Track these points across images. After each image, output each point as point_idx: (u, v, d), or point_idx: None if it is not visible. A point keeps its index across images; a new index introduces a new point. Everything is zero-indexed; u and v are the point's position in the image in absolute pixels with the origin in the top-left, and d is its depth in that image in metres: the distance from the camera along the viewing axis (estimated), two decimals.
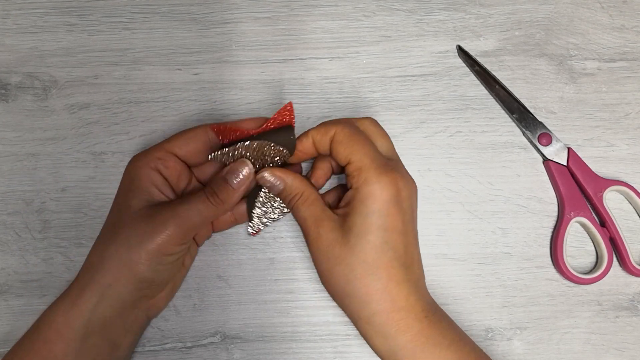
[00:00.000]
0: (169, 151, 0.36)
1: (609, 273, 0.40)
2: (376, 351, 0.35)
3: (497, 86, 0.43)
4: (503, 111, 0.43)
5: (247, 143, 0.36)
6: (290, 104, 0.36)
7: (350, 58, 0.43)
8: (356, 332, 0.41)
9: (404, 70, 0.43)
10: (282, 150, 0.37)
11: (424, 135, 0.43)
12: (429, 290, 0.36)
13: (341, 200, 0.36)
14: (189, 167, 0.38)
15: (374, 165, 0.34)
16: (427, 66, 0.43)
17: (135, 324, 0.37)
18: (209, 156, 0.36)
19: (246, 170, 0.36)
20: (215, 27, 0.44)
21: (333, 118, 0.42)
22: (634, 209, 0.42)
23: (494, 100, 0.43)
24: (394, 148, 0.38)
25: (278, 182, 0.36)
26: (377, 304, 0.33)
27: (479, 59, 0.43)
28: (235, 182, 0.35)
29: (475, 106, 0.43)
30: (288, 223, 0.42)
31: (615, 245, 0.41)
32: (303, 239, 0.41)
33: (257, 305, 0.41)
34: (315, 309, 0.41)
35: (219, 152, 0.36)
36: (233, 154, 0.36)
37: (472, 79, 0.43)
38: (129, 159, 0.37)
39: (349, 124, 0.36)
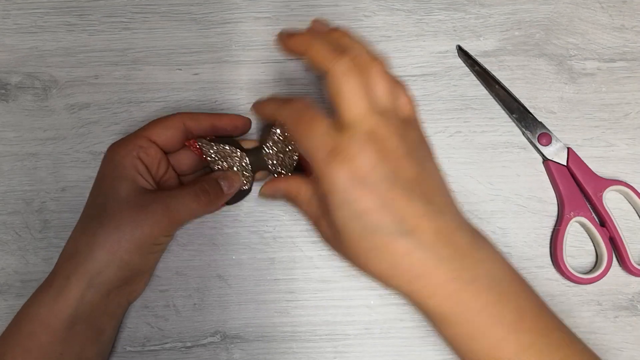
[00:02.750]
0: (149, 139, 0.37)
1: (609, 273, 0.40)
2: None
3: (497, 86, 0.43)
4: (503, 111, 0.43)
5: (236, 153, 0.39)
6: None
7: None
8: (356, 332, 0.41)
9: (404, 70, 0.43)
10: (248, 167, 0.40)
11: None
12: None
13: None
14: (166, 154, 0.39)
15: (318, 157, 0.31)
16: (427, 66, 0.44)
17: (117, 308, 0.38)
18: (198, 143, 0.38)
19: (238, 184, 0.39)
20: (215, 27, 0.44)
21: None
22: (634, 209, 0.42)
23: (493, 100, 0.43)
24: (394, 97, 0.32)
25: (275, 194, 0.38)
26: (396, 279, 0.31)
27: (479, 59, 0.43)
28: (225, 188, 0.38)
29: (475, 106, 0.43)
30: (288, 223, 0.42)
31: (615, 245, 0.41)
32: (303, 239, 0.42)
33: (257, 305, 0.41)
34: (315, 309, 0.41)
35: (209, 145, 0.38)
36: (218, 155, 0.39)
37: (472, 79, 0.43)
38: None
39: (303, 106, 0.32)
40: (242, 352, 0.40)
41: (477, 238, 0.33)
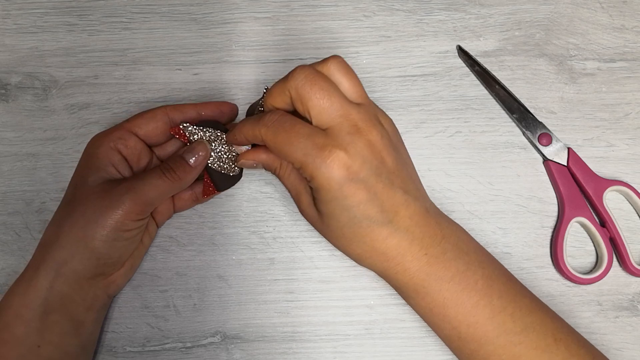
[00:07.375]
0: (129, 130, 0.37)
1: (609, 273, 0.40)
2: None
3: (497, 86, 0.43)
4: (503, 111, 0.43)
5: (222, 135, 0.38)
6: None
7: (350, 58, 0.43)
8: (356, 332, 0.41)
9: (404, 70, 0.43)
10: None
11: (424, 135, 0.43)
12: None
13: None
14: (150, 146, 0.39)
15: (308, 159, 0.32)
16: (427, 66, 0.43)
17: (95, 301, 0.37)
18: (181, 125, 0.37)
19: (204, 152, 0.37)
20: (215, 27, 0.44)
21: None
22: (634, 209, 0.42)
23: (494, 100, 0.43)
24: (360, 91, 0.34)
25: (255, 164, 0.38)
26: (371, 260, 0.35)
27: (479, 59, 0.43)
28: (192, 160, 0.36)
29: (475, 106, 0.43)
30: (288, 223, 0.42)
31: (615, 245, 0.41)
32: (303, 239, 0.42)
33: (257, 305, 0.41)
34: (315, 309, 0.41)
35: (192, 127, 0.37)
36: (203, 139, 0.38)
37: (472, 79, 0.43)
38: None
39: (279, 117, 0.33)
40: (242, 353, 0.40)
41: (442, 217, 0.36)
